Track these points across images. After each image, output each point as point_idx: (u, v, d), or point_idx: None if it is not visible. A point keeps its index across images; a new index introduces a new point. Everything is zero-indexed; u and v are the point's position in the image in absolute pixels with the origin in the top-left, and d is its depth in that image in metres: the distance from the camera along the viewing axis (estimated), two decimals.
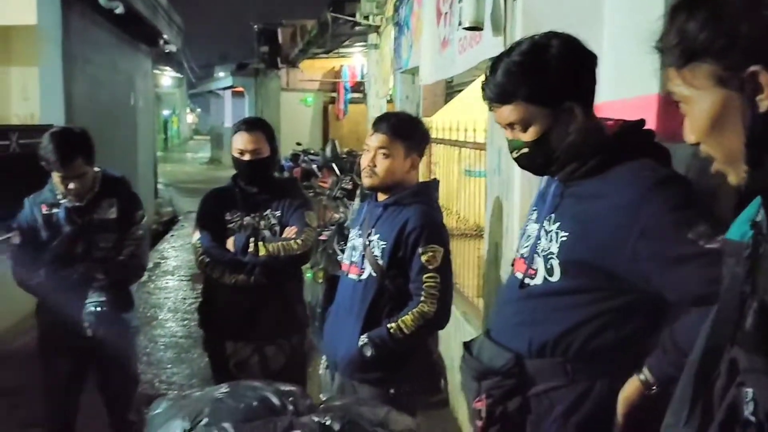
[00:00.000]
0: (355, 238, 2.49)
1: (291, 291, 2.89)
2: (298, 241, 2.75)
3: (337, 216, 5.07)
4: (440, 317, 2.34)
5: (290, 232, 2.78)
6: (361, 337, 2.31)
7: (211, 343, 2.92)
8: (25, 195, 2.96)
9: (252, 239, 2.70)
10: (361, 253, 2.41)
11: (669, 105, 1.95)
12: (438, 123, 5.04)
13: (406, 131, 2.43)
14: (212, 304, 2.89)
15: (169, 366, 4.89)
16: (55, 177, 2.72)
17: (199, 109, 48.23)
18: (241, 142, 2.78)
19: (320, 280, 4.62)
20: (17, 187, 4.73)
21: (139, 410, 3.04)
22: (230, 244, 2.75)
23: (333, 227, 4.63)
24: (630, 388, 1.48)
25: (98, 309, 2.71)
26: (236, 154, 2.80)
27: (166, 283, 7.47)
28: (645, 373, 1.45)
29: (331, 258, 4.42)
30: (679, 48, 0.95)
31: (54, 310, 2.80)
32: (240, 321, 2.77)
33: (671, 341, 1.41)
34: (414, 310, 2.29)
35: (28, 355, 4.62)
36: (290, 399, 1.43)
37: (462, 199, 4.68)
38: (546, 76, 1.54)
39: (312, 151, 12.30)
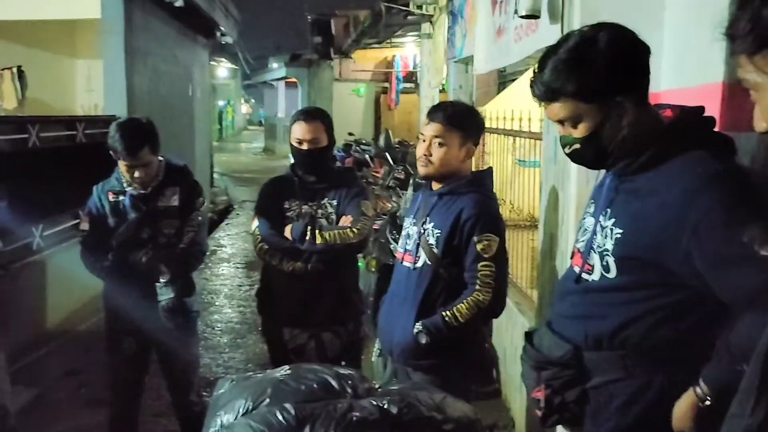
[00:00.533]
0: (409, 227, 2.51)
1: (347, 279, 2.94)
2: (354, 230, 2.78)
3: (389, 206, 5.10)
4: (495, 306, 2.36)
5: (346, 221, 2.81)
6: (416, 324, 2.34)
7: (269, 328, 2.99)
8: (90, 184, 3.09)
9: (309, 227, 2.75)
10: (415, 242, 2.43)
11: (734, 93, 1.91)
12: (491, 112, 5.00)
13: (462, 120, 2.43)
14: (270, 290, 2.95)
15: (226, 351, 5.02)
16: (122, 165, 2.82)
17: (253, 100, 48.94)
18: (299, 131, 2.83)
19: (372, 269, 4.66)
20: (84, 176, 4.94)
21: (199, 392, 3.15)
22: (288, 232, 2.81)
23: (385, 217, 4.65)
24: (684, 402, 1.47)
25: (169, 304, 2.84)
26: (295, 144, 2.86)
27: (222, 270, 7.65)
28: (701, 386, 1.44)
29: (383, 247, 4.45)
30: (752, 35, 0.94)
31: (120, 294, 2.92)
32: (297, 307, 2.83)
33: (726, 349, 1.39)
34: (469, 298, 2.31)
35: (94, 336, 4.84)
36: (349, 382, 1.47)
37: (515, 189, 4.65)
38: (593, 73, 1.51)
39: (364, 142, 12.36)
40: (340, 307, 2.87)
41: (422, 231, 2.41)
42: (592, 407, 1.60)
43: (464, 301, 2.32)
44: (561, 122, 1.60)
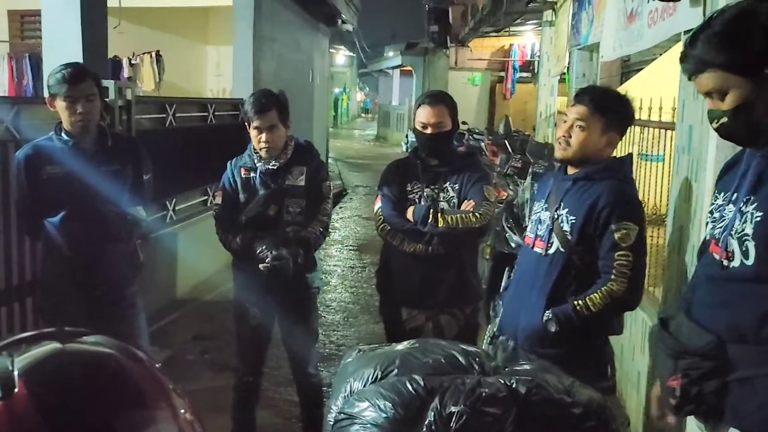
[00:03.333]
0: (540, 212, 2.45)
1: (467, 262, 2.93)
2: (477, 214, 2.77)
3: (506, 194, 5.04)
4: (630, 297, 2.26)
5: (468, 205, 2.81)
6: (546, 312, 2.28)
7: (387, 307, 3.04)
8: (217, 163, 3.23)
9: (432, 210, 2.77)
10: (548, 227, 2.37)
11: None
12: None
13: (608, 106, 2.33)
14: (389, 270, 3.00)
15: (339, 329, 5.17)
16: (252, 133, 2.92)
17: (367, 88, 49.63)
18: (424, 115, 2.84)
19: (487, 257, 4.63)
20: (212, 155, 5.22)
21: (316, 365, 3.27)
22: (410, 214, 2.83)
23: (502, 204, 4.60)
24: None
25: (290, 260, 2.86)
26: (419, 127, 2.87)
27: (336, 251, 7.86)
28: None
29: (499, 235, 4.40)
30: None
31: (248, 267, 3.06)
32: (415, 289, 2.86)
33: None
34: (603, 288, 2.23)
35: (218, 306, 5.15)
36: (476, 359, 1.48)
37: (638, 182, 4.47)
38: (747, 45, 1.47)
39: (477, 131, 12.24)
40: (459, 290, 2.87)
41: (555, 217, 2.35)
42: (733, 400, 1.53)
43: (598, 290, 2.23)
44: (709, 95, 1.56)
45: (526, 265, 2.48)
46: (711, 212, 1.69)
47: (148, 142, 4.99)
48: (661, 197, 3.87)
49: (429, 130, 2.84)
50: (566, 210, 2.33)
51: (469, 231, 2.78)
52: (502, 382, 1.38)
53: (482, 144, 8.99)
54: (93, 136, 2.83)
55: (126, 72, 7.97)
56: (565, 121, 2.36)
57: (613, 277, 2.22)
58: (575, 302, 2.25)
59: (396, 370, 1.46)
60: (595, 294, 2.23)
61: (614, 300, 2.22)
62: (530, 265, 2.44)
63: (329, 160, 15.33)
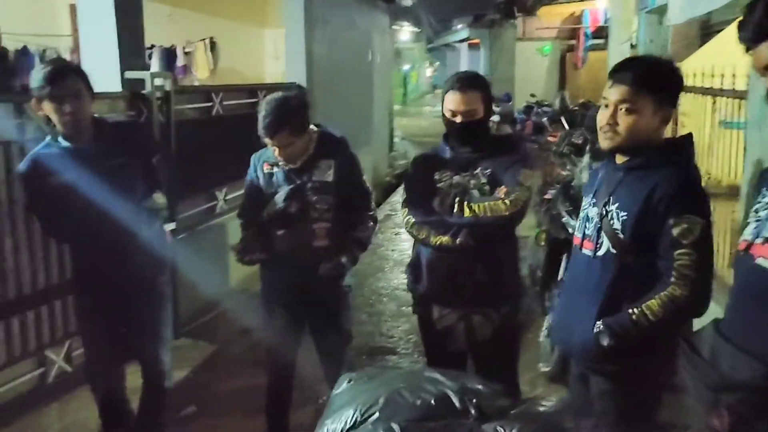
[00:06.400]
0: (588, 208, 2.13)
1: (501, 256, 2.63)
2: (507, 201, 2.49)
3: (564, 173, 4.68)
4: (695, 303, 1.92)
5: (500, 191, 2.53)
6: (597, 323, 1.98)
7: (419, 305, 2.82)
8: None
9: (457, 199, 2.51)
10: (596, 225, 2.05)
11: None
12: (690, 68, 4.39)
13: (656, 80, 1.98)
14: (420, 265, 2.77)
15: (389, 320, 4.98)
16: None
17: (438, 63, 48.96)
18: (452, 101, 2.56)
19: (542, 243, 4.31)
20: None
21: (350, 368, 3.09)
22: (436, 203, 2.59)
23: (558, 186, 4.26)
24: None
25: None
26: (447, 115, 2.60)
27: (394, 235, 7.66)
28: None
29: (555, 220, 4.07)
30: None
31: (275, 267, 2.91)
32: (444, 285, 2.62)
33: None
34: (662, 293, 1.90)
35: None
36: (474, 400, 1.25)
37: (715, 156, 4.06)
38: None
39: (546, 103, 11.74)
40: (493, 287, 2.59)
41: (604, 213, 2.03)
42: None
43: (656, 296, 1.91)
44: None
45: (576, 269, 2.17)
46: (756, 210, 1.42)
47: (192, 132, 4.98)
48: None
49: (459, 119, 2.56)
50: (616, 205, 2.01)
51: (498, 220, 2.49)
52: (500, 429, 1.14)
53: (545, 120, 8.55)
54: (90, 133, 2.67)
55: (180, 60, 7.98)
56: (606, 106, 2.01)
57: (673, 280, 1.89)
58: (631, 311, 1.93)
59: (377, 414, 1.26)
60: (654, 300, 1.91)
61: (677, 307, 1.89)
62: (580, 269, 2.12)
63: (395, 139, 15.13)
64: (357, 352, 4.35)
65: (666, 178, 1.94)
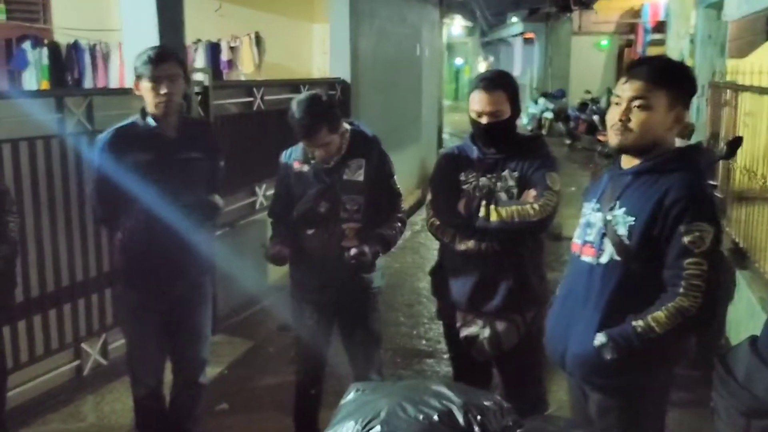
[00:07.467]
0: (590, 213, 2.04)
1: (527, 261, 2.54)
2: (536, 206, 2.39)
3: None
4: (703, 316, 1.83)
5: (528, 195, 2.43)
6: (598, 335, 1.89)
7: (444, 312, 2.73)
8: None
9: (484, 202, 2.41)
10: (600, 231, 1.96)
11: None
12: (750, 66, 4.15)
13: (672, 76, 1.92)
14: (443, 269, 2.68)
15: (427, 321, 4.88)
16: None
17: (492, 58, 48.43)
18: (478, 102, 2.48)
19: None
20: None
21: (380, 370, 3.02)
22: (462, 206, 2.49)
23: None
24: None
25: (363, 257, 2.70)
26: (473, 116, 2.51)
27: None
28: None
29: None
30: None
31: (304, 266, 2.86)
32: (468, 291, 2.53)
33: None
34: (670, 304, 1.81)
35: None
36: (479, 417, 1.16)
37: None
38: None
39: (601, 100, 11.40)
40: (518, 293, 2.50)
41: (609, 218, 1.94)
42: None
43: (663, 307, 1.82)
44: None
45: (573, 278, 2.06)
46: None
47: (233, 127, 4.98)
48: None
49: (484, 120, 2.47)
50: (622, 210, 1.91)
51: (526, 225, 2.40)
52: None
53: (595, 118, 8.27)
54: (175, 121, 2.75)
55: (225, 55, 8.02)
56: (617, 103, 1.92)
57: (682, 290, 1.80)
58: (635, 323, 1.84)
59: (378, 427, 1.17)
60: (661, 312, 1.81)
61: (685, 319, 1.80)
62: (579, 277, 2.02)
63: (444, 135, 14.97)
64: (393, 353, 4.28)
65: (679, 182, 1.86)
